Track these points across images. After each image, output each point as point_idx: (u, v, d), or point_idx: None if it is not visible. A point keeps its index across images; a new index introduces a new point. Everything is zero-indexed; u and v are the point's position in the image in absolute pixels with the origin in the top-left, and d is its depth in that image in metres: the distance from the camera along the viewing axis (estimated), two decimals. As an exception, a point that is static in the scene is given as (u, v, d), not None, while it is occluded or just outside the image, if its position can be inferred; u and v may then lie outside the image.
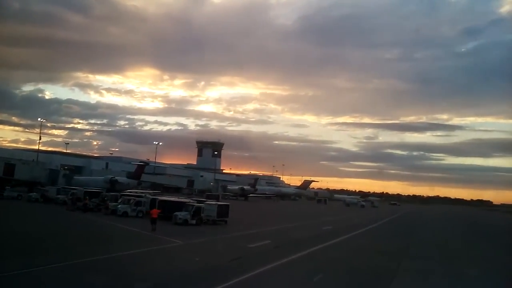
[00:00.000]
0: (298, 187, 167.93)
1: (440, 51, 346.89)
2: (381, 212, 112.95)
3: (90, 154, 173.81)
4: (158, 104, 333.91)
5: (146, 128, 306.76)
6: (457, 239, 53.09)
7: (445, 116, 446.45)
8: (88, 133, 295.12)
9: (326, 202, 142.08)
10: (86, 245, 27.67)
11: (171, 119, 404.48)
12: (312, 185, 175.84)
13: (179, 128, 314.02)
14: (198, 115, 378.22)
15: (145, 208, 47.75)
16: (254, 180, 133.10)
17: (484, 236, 62.29)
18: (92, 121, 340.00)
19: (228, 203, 49.10)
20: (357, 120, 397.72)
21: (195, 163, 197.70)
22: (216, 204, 46.99)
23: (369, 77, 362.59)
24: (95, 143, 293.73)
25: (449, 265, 30.99)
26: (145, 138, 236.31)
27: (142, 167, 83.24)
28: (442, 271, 27.93)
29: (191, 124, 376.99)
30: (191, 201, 49.43)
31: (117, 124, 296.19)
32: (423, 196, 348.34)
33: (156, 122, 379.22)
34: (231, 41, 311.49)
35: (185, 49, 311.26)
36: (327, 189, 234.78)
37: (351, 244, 38.35)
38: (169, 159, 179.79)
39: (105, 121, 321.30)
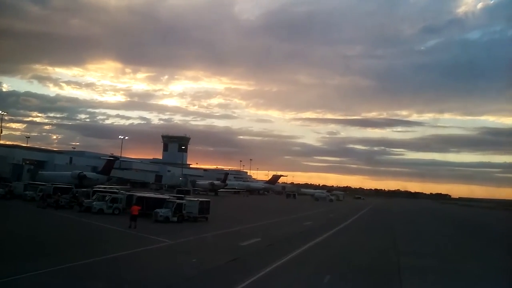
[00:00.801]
0: (267, 182, 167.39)
1: (401, 48, 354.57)
2: (351, 207, 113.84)
3: (50, 148, 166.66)
4: (120, 98, 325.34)
5: (108, 122, 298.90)
6: (450, 238, 53.32)
7: (405, 113, 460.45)
8: (47, 127, 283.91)
9: (295, 197, 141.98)
10: (70, 247, 25.36)
11: (134, 113, 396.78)
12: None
13: (142, 122, 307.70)
14: (161, 109, 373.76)
15: (121, 205, 45.41)
16: (225, 175, 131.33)
17: (470, 232, 62.94)
18: (52, 115, 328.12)
19: (209, 200, 47.37)
20: (320, 115, 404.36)
21: (161, 157, 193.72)
22: (197, 200, 45.17)
23: (332, 74, 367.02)
24: (54, 137, 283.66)
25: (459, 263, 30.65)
26: (107, 132, 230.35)
27: (112, 162, 79.96)
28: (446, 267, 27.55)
29: (155, 118, 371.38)
30: (171, 197, 47.38)
31: (78, 118, 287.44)
32: (384, 190, 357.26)
33: (118, 116, 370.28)
34: (195, 35, 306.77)
35: (148, 42, 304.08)
36: (292, 183, 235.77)
37: (341, 241, 37.47)
38: (133, 154, 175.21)
39: (65, 114, 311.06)
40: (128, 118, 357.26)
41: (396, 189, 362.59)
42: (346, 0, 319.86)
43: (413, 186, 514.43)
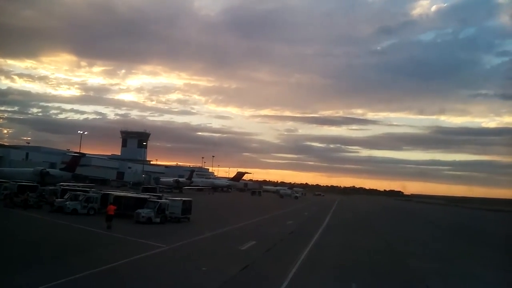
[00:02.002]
0: (231, 179, 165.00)
1: (357, 48, 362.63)
2: (317, 204, 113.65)
3: (1, 143, 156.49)
4: (75, 92, 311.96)
5: (62, 116, 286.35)
6: (432, 237, 53.33)
7: (360, 111, 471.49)
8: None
9: (260, 194, 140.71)
10: (58, 254, 22.34)
11: (89, 108, 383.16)
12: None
13: (98, 117, 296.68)
14: (118, 104, 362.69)
15: (97, 205, 42.13)
16: (190, 172, 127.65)
17: (442, 228, 63.60)
18: (2, 108, 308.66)
19: (191, 199, 44.77)
20: (278, 113, 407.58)
21: (119, 153, 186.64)
22: (180, 200, 42.51)
23: (291, 72, 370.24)
24: (5, 131, 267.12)
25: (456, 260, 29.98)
26: (61, 127, 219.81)
27: (77, 158, 75.10)
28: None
29: (111, 113, 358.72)
30: (152, 197, 44.50)
31: (30, 112, 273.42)
32: (340, 186, 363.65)
33: (72, 110, 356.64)
34: (154, 29, 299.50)
35: (105, 35, 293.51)
36: (251, 180, 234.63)
37: (338, 241, 35.96)
38: (89, 150, 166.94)
39: (16, 108, 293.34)
40: (83, 112, 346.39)
41: (352, 185, 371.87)
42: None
43: (368, 183, 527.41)
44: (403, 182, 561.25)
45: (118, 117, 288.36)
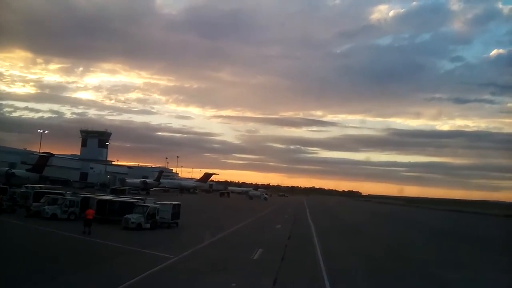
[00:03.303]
0: (198, 180, 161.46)
1: (318, 51, 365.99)
2: (289, 205, 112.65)
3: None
4: (30, 90, 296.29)
5: (16, 114, 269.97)
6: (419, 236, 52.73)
7: (319, 113, 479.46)
8: None
9: (228, 196, 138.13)
10: (57, 271, 19.40)
11: (45, 106, 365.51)
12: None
13: (53, 115, 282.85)
14: (75, 102, 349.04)
15: (78, 209, 38.67)
16: (159, 173, 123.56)
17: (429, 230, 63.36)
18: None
19: (179, 203, 42.00)
20: (240, 113, 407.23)
21: (79, 153, 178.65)
22: (170, 204, 39.67)
23: (252, 73, 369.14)
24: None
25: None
26: (14, 126, 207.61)
27: (45, 158, 70.07)
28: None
29: (67, 112, 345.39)
30: (139, 201, 41.41)
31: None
32: (300, 187, 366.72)
33: (27, 108, 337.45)
34: (113, 26, 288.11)
35: (62, 32, 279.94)
36: (212, 181, 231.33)
37: (344, 247, 34.22)
38: (45, 149, 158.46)
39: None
40: (38, 111, 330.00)
41: (311, 186, 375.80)
42: (268, 1, 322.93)
43: (327, 184, 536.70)
44: (361, 182, 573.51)
45: (75, 116, 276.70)
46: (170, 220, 38.59)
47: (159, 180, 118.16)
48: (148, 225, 35.55)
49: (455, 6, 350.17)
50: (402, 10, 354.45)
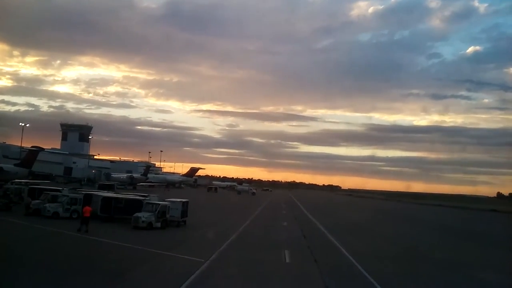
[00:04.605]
0: (184, 175, 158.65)
1: (298, 46, 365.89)
2: (278, 200, 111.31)
3: None
4: (6, 82, 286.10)
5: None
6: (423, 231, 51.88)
7: (300, 108, 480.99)
8: None
9: (216, 190, 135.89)
10: (94, 276, 17.38)
11: (21, 99, 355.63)
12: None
13: (30, 109, 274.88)
14: (52, 95, 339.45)
15: (81, 207, 36.28)
16: (146, 167, 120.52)
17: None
18: None
19: (187, 200, 39.98)
20: (220, 108, 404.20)
21: (59, 147, 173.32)
22: (180, 201, 37.61)
23: (233, 67, 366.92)
24: None
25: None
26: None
27: (35, 153, 66.62)
28: None
29: (44, 105, 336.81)
30: (148, 198, 39.15)
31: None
32: (281, 181, 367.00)
33: (3, 102, 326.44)
34: (92, 19, 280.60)
35: (40, 24, 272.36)
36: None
37: (363, 247, 32.76)
38: (25, 143, 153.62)
39: None
40: (14, 104, 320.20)
41: (292, 180, 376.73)
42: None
43: (307, 178, 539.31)
44: (341, 177, 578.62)
45: (52, 109, 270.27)
46: (180, 218, 36.66)
47: (146, 175, 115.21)
48: (158, 224, 33.56)
49: (433, 3, 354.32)
50: (381, 7, 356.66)
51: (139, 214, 33.18)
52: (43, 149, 74.60)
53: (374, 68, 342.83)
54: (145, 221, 32.79)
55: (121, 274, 18.26)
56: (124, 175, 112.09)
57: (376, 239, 39.63)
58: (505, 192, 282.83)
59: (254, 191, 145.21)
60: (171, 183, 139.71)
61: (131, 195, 42.37)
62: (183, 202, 37.82)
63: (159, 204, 34.81)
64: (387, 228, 53.43)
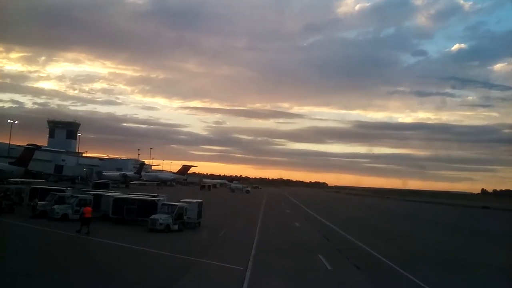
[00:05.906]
0: (176, 173, 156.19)
1: (285, 43, 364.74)
2: (274, 198, 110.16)
3: None
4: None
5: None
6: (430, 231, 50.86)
7: (286, 105, 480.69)
8: None
9: (210, 188, 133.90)
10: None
11: (5, 96, 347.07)
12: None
13: (14, 105, 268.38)
14: (37, 92, 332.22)
15: (91, 209, 34.31)
16: (140, 165, 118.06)
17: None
18: None
19: (202, 200, 38.22)
20: (207, 105, 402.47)
21: (46, 145, 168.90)
22: (196, 202, 35.86)
23: (220, 64, 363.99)
24: None
25: None
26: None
27: (31, 151, 63.86)
28: None
29: (29, 102, 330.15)
30: (161, 199, 37.18)
31: None
32: (268, 178, 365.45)
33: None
34: (77, 15, 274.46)
35: (24, 19, 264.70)
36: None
37: (390, 248, 31.29)
38: (7, 140, 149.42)
39: None
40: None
41: (279, 177, 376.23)
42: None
43: (293, 175, 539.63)
44: (326, 174, 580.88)
45: (37, 106, 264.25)
46: (196, 219, 34.97)
47: (140, 173, 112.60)
48: (176, 227, 31.76)
49: (418, 1, 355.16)
50: (368, 4, 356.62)
51: (156, 216, 31.32)
52: (40, 146, 71.80)
53: (360, 66, 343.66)
54: (163, 223, 30.98)
55: (167, 287, 16.51)
56: (116, 173, 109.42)
57: (395, 239, 38.23)
58: (489, 188, 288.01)
59: (248, 189, 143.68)
60: (163, 181, 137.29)
61: (143, 196, 40.29)
62: (199, 203, 36.11)
63: (177, 205, 32.93)
64: (402, 227, 52.35)
